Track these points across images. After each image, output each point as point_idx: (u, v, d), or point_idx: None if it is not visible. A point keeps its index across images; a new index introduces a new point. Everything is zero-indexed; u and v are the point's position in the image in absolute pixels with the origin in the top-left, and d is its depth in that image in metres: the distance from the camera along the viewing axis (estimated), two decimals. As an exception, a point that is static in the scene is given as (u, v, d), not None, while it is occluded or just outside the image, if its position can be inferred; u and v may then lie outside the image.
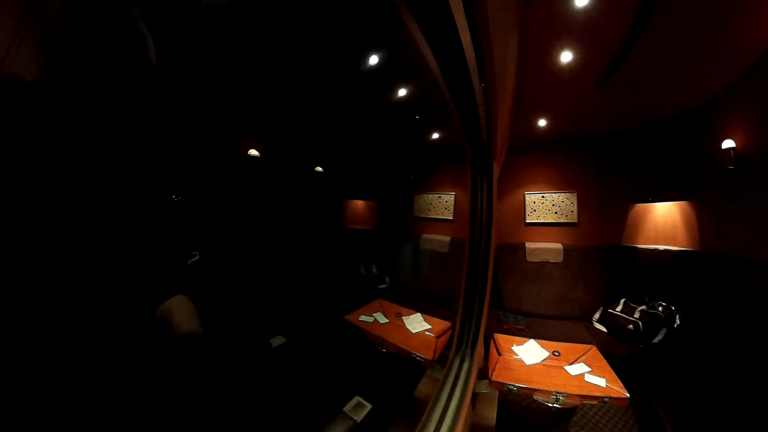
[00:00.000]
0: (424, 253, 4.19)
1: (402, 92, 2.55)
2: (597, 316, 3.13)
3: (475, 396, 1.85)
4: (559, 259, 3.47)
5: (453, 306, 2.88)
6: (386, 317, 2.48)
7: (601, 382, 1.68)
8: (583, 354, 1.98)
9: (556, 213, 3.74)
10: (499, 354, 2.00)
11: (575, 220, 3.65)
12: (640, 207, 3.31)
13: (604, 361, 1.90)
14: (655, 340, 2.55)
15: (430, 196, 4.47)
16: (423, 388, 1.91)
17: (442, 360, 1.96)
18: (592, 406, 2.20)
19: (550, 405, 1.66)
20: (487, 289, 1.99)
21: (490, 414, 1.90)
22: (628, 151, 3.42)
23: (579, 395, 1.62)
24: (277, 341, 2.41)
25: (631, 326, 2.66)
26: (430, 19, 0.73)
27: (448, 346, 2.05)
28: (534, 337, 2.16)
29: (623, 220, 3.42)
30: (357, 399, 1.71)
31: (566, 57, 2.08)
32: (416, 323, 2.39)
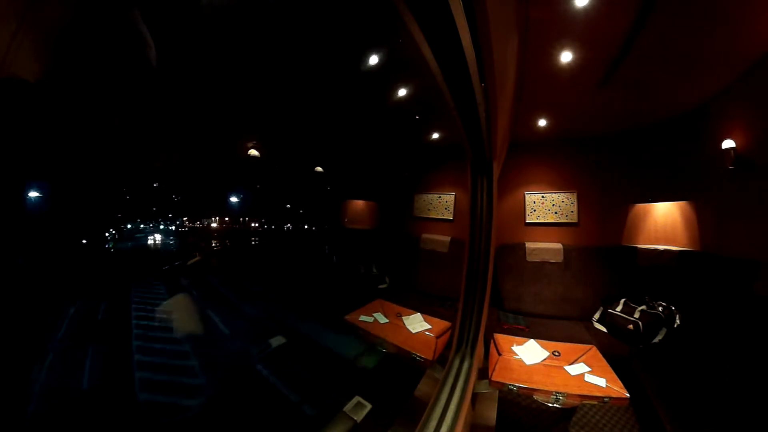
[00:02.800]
0: (424, 253, 4.19)
1: (402, 92, 2.54)
2: (597, 316, 3.13)
3: (475, 396, 1.85)
4: (559, 259, 3.47)
5: (453, 306, 2.87)
6: (386, 317, 2.48)
7: (601, 382, 1.68)
8: (583, 354, 1.98)
9: (556, 213, 3.74)
10: (499, 354, 2.00)
11: (575, 220, 3.65)
12: (640, 207, 3.31)
13: (604, 361, 1.90)
14: (655, 340, 2.55)
15: (430, 196, 4.46)
16: (423, 388, 1.91)
17: (442, 360, 1.95)
18: (592, 406, 2.20)
19: (550, 405, 1.66)
20: (487, 289, 1.99)
21: (490, 414, 1.90)
22: (628, 151, 3.42)
23: (579, 395, 1.62)
24: (277, 341, 2.41)
25: (631, 326, 2.66)
26: (430, 19, 0.73)
27: (448, 346, 2.05)
28: (534, 337, 2.16)
29: (623, 220, 3.42)
30: (357, 399, 1.71)
31: (566, 57, 2.08)
32: (416, 323, 2.39)
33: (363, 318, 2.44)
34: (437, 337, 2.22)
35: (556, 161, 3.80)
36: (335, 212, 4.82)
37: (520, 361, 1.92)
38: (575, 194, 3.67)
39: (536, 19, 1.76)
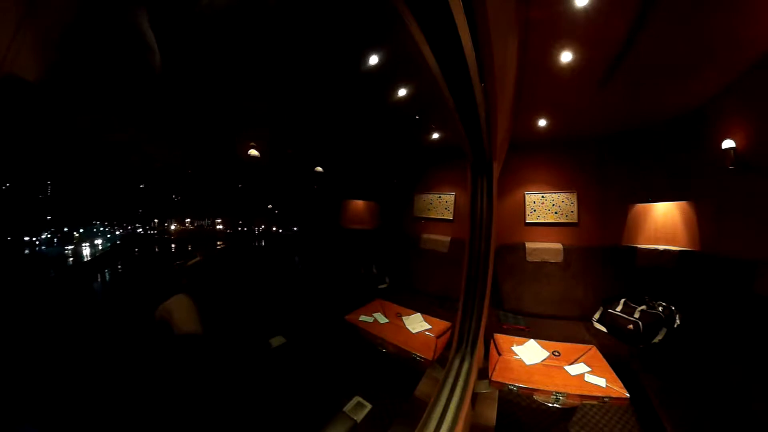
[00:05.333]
0: (424, 253, 4.19)
1: (402, 92, 2.54)
2: (597, 316, 3.13)
3: (475, 396, 1.85)
4: (559, 259, 3.47)
5: (453, 306, 2.87)
6: (386, 317, 2.48)
7: (601, 382, 1.68)
8: (583, 354, 1.99)
9: (556, 213, 3.74)
10: (499, 354, 2.00)
11: (575, 220, 3.65)
12: (640, 207, 3.31)
13: (604, 361, 1.91)
14: (655, 340, 2.55)
15: (430, 196, 4.46)
16: (423, 388, 1.91)
17: (442, 360, 1.96)
18: (592, 406, 2.20)
19: (550, 405, 1.66)
20: (487, 289, 1.99)
21: (490, 414, 1.90)
22: (628, 151, 3.42)
23: (579, 395, 1.62)
24: (277, 341, 2.41)
25: (631, 326, 2.66)
26: (430, 19, 0.73)
27: (448, 346, 2.05)
28: (534, 337, 2.16)
29: (623, 220, 3.42)
30: (357, 399, 1.71)
31: (566, 57, 2.08)
32: (416, 323, 2.39)
33: (363, 318, 2.44)
34: (437, 337, 2.22)
35: (556, 161, 3.80)
36: (320, 212, 4.71)
37: (520, 361, 1.92)
38: (575, 194, 3.67)
39: (536, 19, 1.76)
